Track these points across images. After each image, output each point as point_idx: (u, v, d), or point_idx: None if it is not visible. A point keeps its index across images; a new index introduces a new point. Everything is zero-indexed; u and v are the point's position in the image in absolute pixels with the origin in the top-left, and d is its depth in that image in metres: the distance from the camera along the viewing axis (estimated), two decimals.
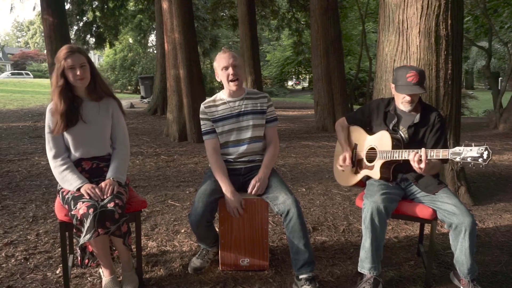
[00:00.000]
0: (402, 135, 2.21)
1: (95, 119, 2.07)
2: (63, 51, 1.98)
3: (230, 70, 2.19)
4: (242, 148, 2.27)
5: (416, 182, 2.19)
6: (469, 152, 1.82)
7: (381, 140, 2.18)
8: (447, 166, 3.46)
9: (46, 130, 2.03)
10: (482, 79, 32.92)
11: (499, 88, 11.34)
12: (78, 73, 1.98)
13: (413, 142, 2.19)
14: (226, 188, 2.17)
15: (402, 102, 2.19)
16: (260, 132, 2.31)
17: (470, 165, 1.85)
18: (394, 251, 2.61)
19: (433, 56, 3.26)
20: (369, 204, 2.00)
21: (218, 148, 2.30)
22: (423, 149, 1.95)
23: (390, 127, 2.23)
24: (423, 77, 2.14)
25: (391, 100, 2.30)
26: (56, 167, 2.01)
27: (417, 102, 2.23)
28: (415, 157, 1.95)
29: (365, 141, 2.31)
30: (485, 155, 1.78)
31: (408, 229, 2.97)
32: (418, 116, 2.19)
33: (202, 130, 2.32)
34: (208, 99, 2.34)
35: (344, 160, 2.33)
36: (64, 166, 2.00)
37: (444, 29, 3.24)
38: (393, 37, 3.39)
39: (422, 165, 1.94)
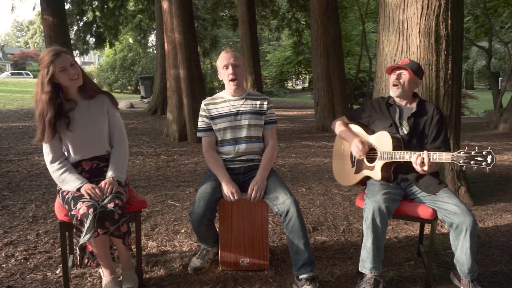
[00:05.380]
0: (404, 129, 2.22)
1: (91, 119, 2.05)
2: (48, 55, 1.90)
3: (230, 70, 2.23)
4: (241, 147, 2.28)
5: (417, 182, 2.19)
6: (473, 156, 1.81)
7: (382, 140, 2.17)
8: (447, 167, 3.46)
9: None
10: (482, 79, 32.91)
11: (499, 88, 11.33)
12: (72, 72, 1.94)
13: (415, 136, 2.20)
14: (222, 177, 2.19)
15: (391, 87, 2.25)
16: (257, 133, 2.32)
17: (473, 169, 1.84)
18: (394, 251, 2.61)
19: (433, 56, 3.26)
20: (370, 204, 1.99)
21: (213, 145, 2.33)
22: (425, 151, 1.96)
23: (396, 119, 2.24)
24: (414, 65, 2.21)
25: (390, 96, 2.33)
26: (55, 171, 2.00)
27: (413, 96, 2.30)
28: (418, 160, 1.96)
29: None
30: (489, 159, 1.77)
31: (408, 229, 2.97)
32: (414, 105, 2.25)
33: (198, 127, 2.35)
34: (209, 98, 2.38)
35: (361, 145, 2.19)
36: (63, 169, 1.99)
37: (444, 29, 3.24)
38: (393, 37, 3.39)
39: (425, 168, 1.95)
